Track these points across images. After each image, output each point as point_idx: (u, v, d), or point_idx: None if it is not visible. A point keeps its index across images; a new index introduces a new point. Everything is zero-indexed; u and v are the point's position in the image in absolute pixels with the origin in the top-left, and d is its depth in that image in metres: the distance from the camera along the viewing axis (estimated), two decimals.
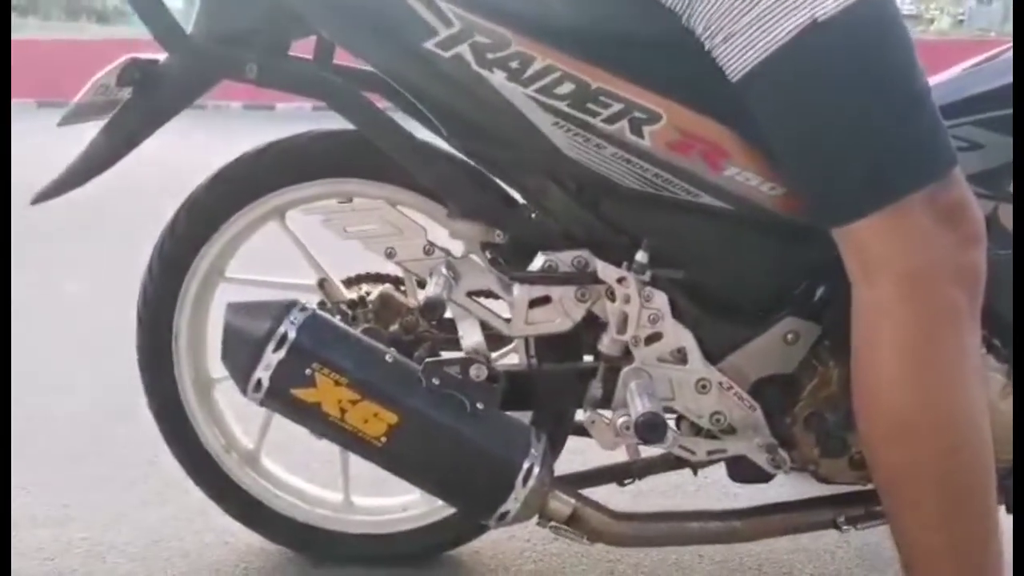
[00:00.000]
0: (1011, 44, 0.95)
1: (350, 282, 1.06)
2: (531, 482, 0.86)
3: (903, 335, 0.74)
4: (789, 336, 0.89)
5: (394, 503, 1.12)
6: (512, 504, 0.86)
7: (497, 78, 0.81)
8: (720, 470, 0.98)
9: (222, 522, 1.13)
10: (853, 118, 0.75)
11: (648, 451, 0.99)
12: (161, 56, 0.94)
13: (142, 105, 0.95)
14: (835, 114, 0.75)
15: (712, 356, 0.90)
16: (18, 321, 2.05)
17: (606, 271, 0.87)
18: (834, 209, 0.77)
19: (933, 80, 0.90)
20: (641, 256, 0.86)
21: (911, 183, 0.74)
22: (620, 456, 0.99)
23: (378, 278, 1.07)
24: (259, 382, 0.84)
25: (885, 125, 0.74)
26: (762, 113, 0.78)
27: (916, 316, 0.73)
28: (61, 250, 2.84)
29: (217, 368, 1.03)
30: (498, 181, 0.94)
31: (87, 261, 2.64)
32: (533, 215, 0.93)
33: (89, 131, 0.94)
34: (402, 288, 1.05)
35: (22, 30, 10.06)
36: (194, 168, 1.01)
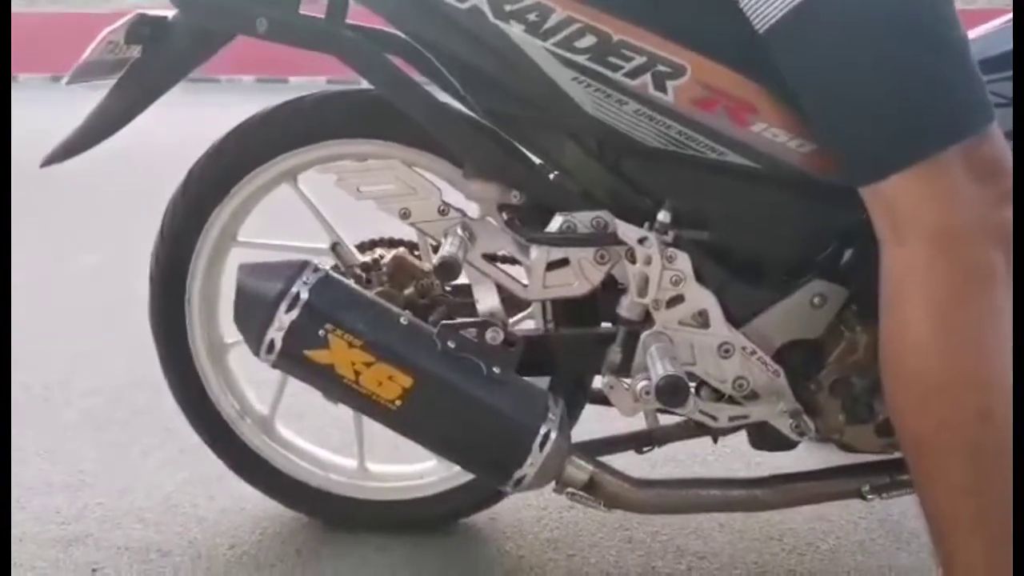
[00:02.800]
0: None
1: (364, 247, 1.04)
2: (548, 447, 0.85)
3: (934, 295, 0.71)
4: (816, 299, 0.87)
5: (410, 470, 1.11)
6: (528, 469, 0.85)
7: (515, 31, 0.78)
8: (739, 440, 0.96)
9: (238, 488, 1.13)
10: (886, 70, 0.72)
11: (667, 419, 0.98)
12: (170, 13, 0.92)
13: (151, 64, 0.93)
14: (867, 66, 0.72)
15: (735, 320, 0.87)
16: (35, 292, 2.07)
17: (627, 231, 0.85)
18: (865, 166, 0.74)
19: (972, 33, 0.86)
20: (663, 216, 0.84)
21: (946, 137, 0.70)
22: (639, 424, 0.98)
23: (392, 243, 1.05)
24: (272, 343, 0.83)
25: (920, 77, 0.71)
26: (790, 66, 0.74)
27: (948, 276, 0.70)
28: (77, 222, 2.85)
29: (231, 333, 1.03)
30: (515, 144, 0.91)
31: (103, 233, 2.64)
32: (551, 175, 0.90)
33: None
34: (416, 253, 1.03)
35: (35, 4, 10.09)
36: (210, 141, 0.99)
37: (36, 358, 1.63)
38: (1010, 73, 0.83)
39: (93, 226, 2.77)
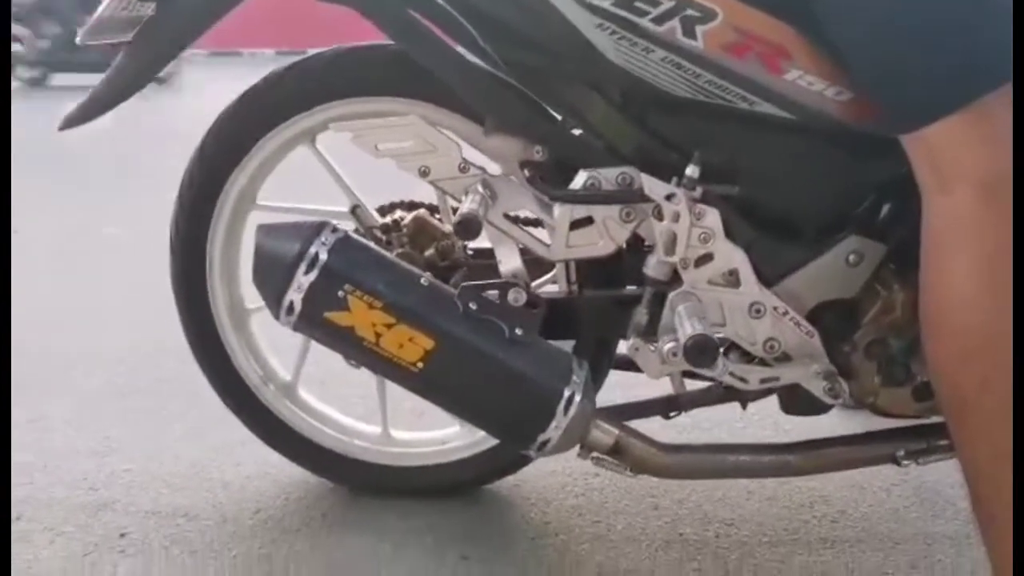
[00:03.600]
0: None
1: (384, 210, 1.03)
2: (572, 410, 0.83)
3: (981, 246, 0.67)
4: (851, 257, 0.83)
5: (433, 436, 1.10)
6: (553, 432, 0.83)
7: None
8: (768, 408, 0.93)
9: (263, 454, 1.13)
10: (929, 10, 0.68)
11: (694, 385, 0.95)
12: None
13: (165, 23, 0.91)
14: (909, 6, 0.68)
15: (767, 279, 0.84)
16: (61, 263, 2.09)
17: (654, 187, 0.82)
18: (908, 113, 0.70)
19: None
20: (692, 171, 0.80)
21: (994, 79, 0.67)
22: (665, 390, 0.95)
23: (413, 205, 1.03)
24: (291, 305, 0.82)
25: (964, 18, 0.68)
26: (826, 7, 0.71)
27: (996, 225, 0.67)
28: (101, 195, 2.88)
29: (252, 298, 1.02)
30: (538, 99, 0.88)
31: (127, 204, 2.66)
32: (575, 130, 0.87)
33: None
34: (438, 216, 1.01)
35: None
36: None
37: (61, 327, 1.65)
38: None
39: (119, 199, 2.79)
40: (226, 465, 1.18)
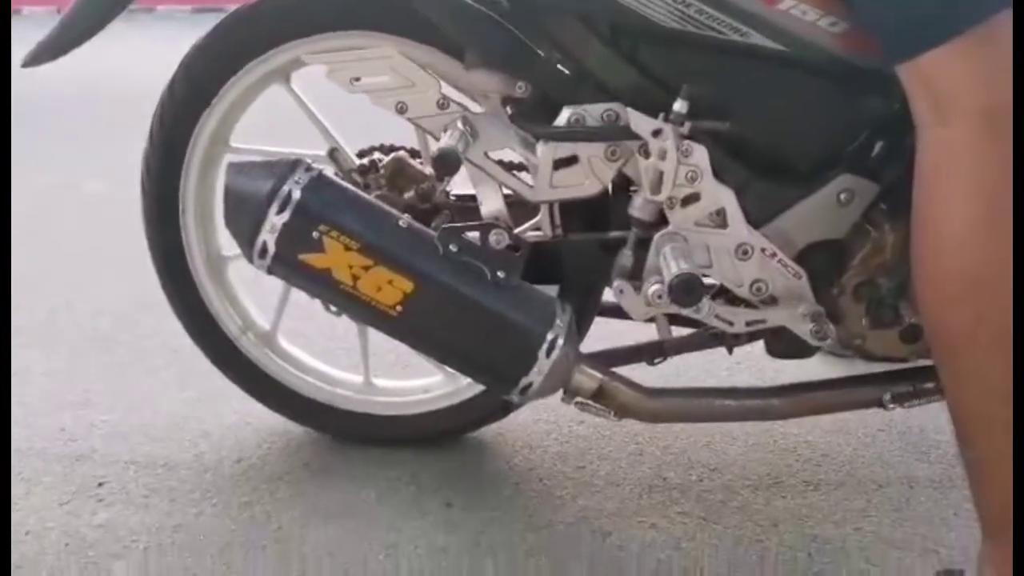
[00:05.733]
0: None
1: (362, 153, 0.99)
2: (555, 354, 0.81)
3: (978, 179, 0.65)
4: (843, 196, 0.81)
5: (415, 384, 1.09)
6: (535, 376, 0.82)
7: None
8: (754, 356, 0.92)
9: (244, 406, 1.11)
10: None
11: (680, 332, 0.94)
12: None
13: None
14: None
15: (755, 219, 0.82)
16: (42, 217, 2.04)
17: (640, 123, 0.79)
18: (903, 40, 0.67)
19: None
20: (680, 106, 0.78)
21: (992, 6, 0.64)
22: (651, 335, 0.94)
23: (393, 149, 0.99)
24: (264, 247, 0.79)
25: None
26: None
27: (996, 156, 0.65)
28: (83, 149, 2.81)
29: (229, 245, 0.99)
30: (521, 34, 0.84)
31: (111, 160, 2.59)
32: (560, 65, 0.84)
33: None
34: (419, 160, 0.98)
35: None
36: None
37: (42, 280, 1.62)
38: None
39: (101, 153, 2.72)
40: (207, 416, 1.16)
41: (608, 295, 0.91)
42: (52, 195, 2.22)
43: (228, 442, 1.11)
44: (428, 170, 0.95)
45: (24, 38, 0.98)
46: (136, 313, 1.46)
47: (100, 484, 1.02)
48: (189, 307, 1.05)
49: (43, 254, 1.75)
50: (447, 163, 0.77)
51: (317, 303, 0.89)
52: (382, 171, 0.93)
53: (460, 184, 0.93)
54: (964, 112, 0.65)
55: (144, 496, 1.00)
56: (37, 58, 0.92)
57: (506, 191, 0.88)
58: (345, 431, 1.09)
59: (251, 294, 1.08)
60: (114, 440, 1.11)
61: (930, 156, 0.68)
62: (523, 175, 0.88)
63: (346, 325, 1.01)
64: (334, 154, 0.97)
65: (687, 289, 0.77)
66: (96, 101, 3.44)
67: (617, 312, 0.90)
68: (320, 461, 1.07)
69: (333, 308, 0.91)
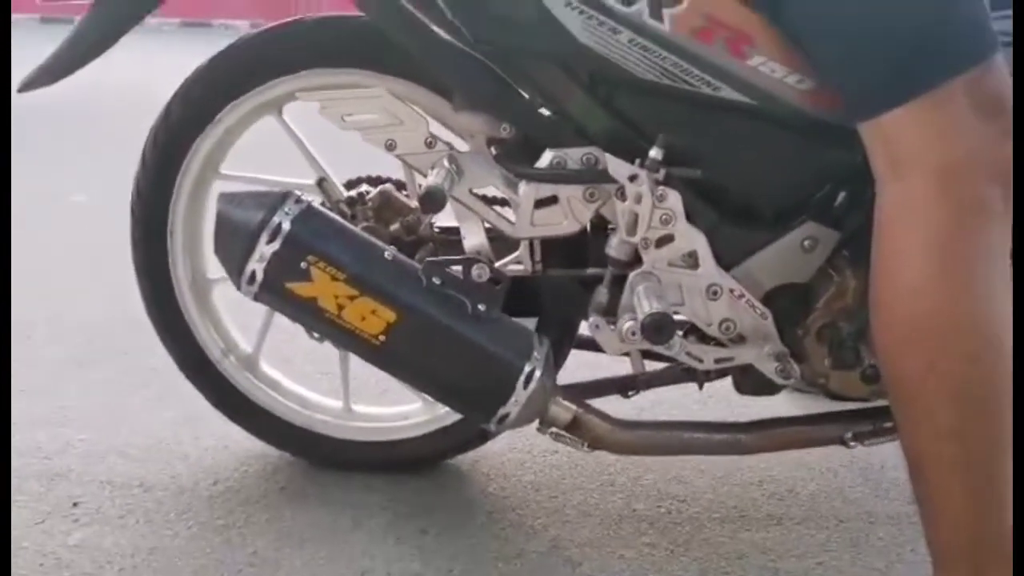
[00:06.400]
0: None
1: (350, 184, 1.02)
2: (532, 385, 0.84)
3: (931, 234, 0.70)
4: (807, 243, 0.85)
5: (394, 411, 1.11)
6: (512, 407, 0.84)
7: None
8: (724, 390, 0.96)
9: (222, 428, 1.12)
10: (887, 1, 0.70)
11: (653, 366, 0.98)
12: None
13: None
14: None
15: (725, 261, 0.86)
16: (23, 230, 2.03)
17: (617, 168, 0.83)
18: (864, 99, 0.72)
19: None
20: (655, 153, 0.82)
21: (950, 68, 0.69)
22: (625, 369, 0.97)
23: (380, 180, 1.02)
24: (252, 275, 0.81)
25: (921, 7, 0.69)
26: None
27: (948, 213, 0.69)
28: (69, 161, 2.80)
29: (214, 269, 1.01)
30: (506, 77, 0.89)
31: (94, 173, 2.59)
32: (543, 109, 0.88)
33: None
34: (405, 193, 1.01)
35: None
36: None
37: (21, 295, 1.61)
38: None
39: (84, 165, 2.72)
40: (184, 437, 1.17)
41: (584, 328, 0.94)
42: (36, 207, 2.22)
43: (205, 464, 1.12)
44: (414, 203, 0.98)
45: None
46: (116, 330, 1.47)
47: (75, 504, 1.02)
48: (172, 329, 1.06)
49: (23, 267, 1.74)
50: (434, 201, 0.80)
51: (300, 327, 0.92)
52: (369, 203, 0.96)
53: (444, 216, 0.97)
54: (919, 170, 0.70)
55: (120, 517, 1.00)
56: (33, 82, 0.94)
57: (488, 225, 0.91)
58: (324, 456, 1.11)
59: (235, 316, 1.10)
60: (90, 459, 1.11)
61: (887, 209, 0.73)
62: (505, 209, 0.91)
63: (328, 349, 1.03)
64: (322, 184, 1.00)
65: (659, 328, 0.80)
66: (84, 113, 3.44)
67: (593, 345, 0.93)
68: (296, 485, 1.08)
69: (316, 334, 0.93)
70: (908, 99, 0.69)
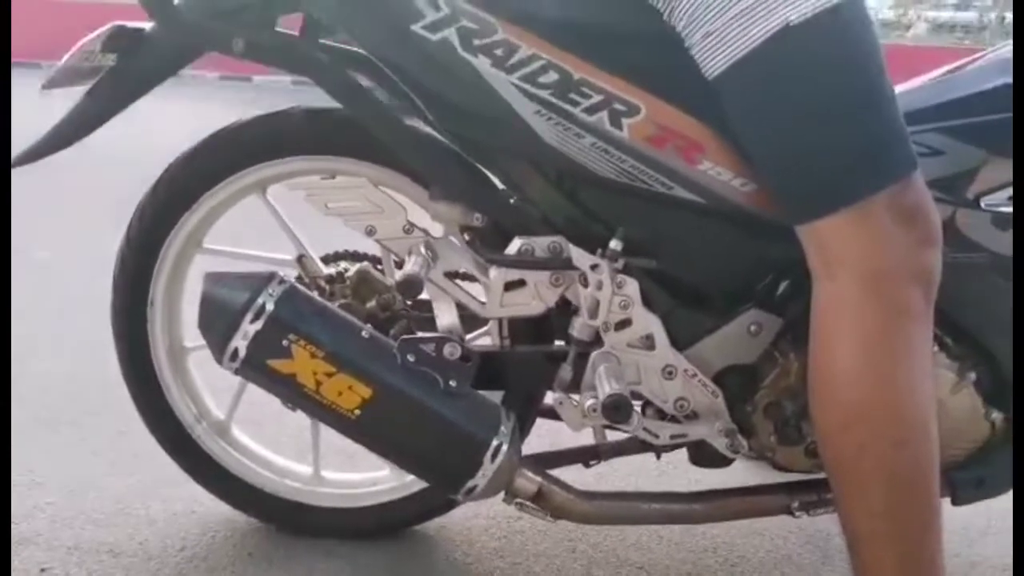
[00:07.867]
0: (979, 55, 0.99)
1: (328, 259, 1.08)
2: (499, 459, 0.89)
3: (860, 330, 0.77)
4: (753, 327, 0.93)
5: (363, 478, 1.14)
6: (480, 480, 0.89)
7: (482, 64, 0.82)
8: (681, 456, 1.02)
9: (191, 492, 1.14)
10: (819, 120, 0.78)
11: (614, 435, 1.03)
12: (147, 24, 0.94)
13: (126, 72, 0.95)
14: (802, 116, 0.78)
15: (679, 343, 0.93)
16: None
17: (580, 257, 0.90)
18: (799, 207, 0.80)
19: (900, 87, 0.94)
20: (615, 244, 0.89)
21: (872, 184, 0.77)
22: (587, 439, 1.03)
23: (356, 256, 1.08)
24: (236, 351, 0.85)
25: (849, 128, 0.78)
26: (735, 111, 0.81)
27: (874, 313, 0.77)
28: (31, 217, 2.79)
29: (191, 337, 1.05)
30: (479, 167, 0.96)
31: (57, 229, 2.59)
32: (512, 200, 0.95)
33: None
34: (380, 267, 1.06)
35: None
36: (167, 139, 1.01)
37: None
38: (931, 125, 0.91)
39: (47, 222, 2.72)
40: (152, 502, 1.18)
41: (549, 398, 1.00)
42: None
43: (173, 529, 1.13)
44: (389, 281, 1.03)
45: None
46: (82, 390, 1.47)
47: (43, 570, 1.02)
48: (147, 395, 1.09)
49: None
50: (412, 287, 0.86)
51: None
52: (347, 281, 1.01)
53: None
54: (849, 273, 0.77)
55: None
56: (27, 157, 0.98)
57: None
58: (293, 522, 1.13)
59: (208, 381, 1.13)
60: (58, 524, 1.12)
61: (822, 304, 0.80)
62: (475, 287, 0.97)
63: (299, 416, 1.06)
64: (302, 260, 1.05)
65: (617, 408, 0.86)
66: (46, 167, 3.43)
67: (556, 414, 0.98)
68: (263, 551, 1.10)
69: (291, 405, 0.97)
70: (837, 209, 0.77)
